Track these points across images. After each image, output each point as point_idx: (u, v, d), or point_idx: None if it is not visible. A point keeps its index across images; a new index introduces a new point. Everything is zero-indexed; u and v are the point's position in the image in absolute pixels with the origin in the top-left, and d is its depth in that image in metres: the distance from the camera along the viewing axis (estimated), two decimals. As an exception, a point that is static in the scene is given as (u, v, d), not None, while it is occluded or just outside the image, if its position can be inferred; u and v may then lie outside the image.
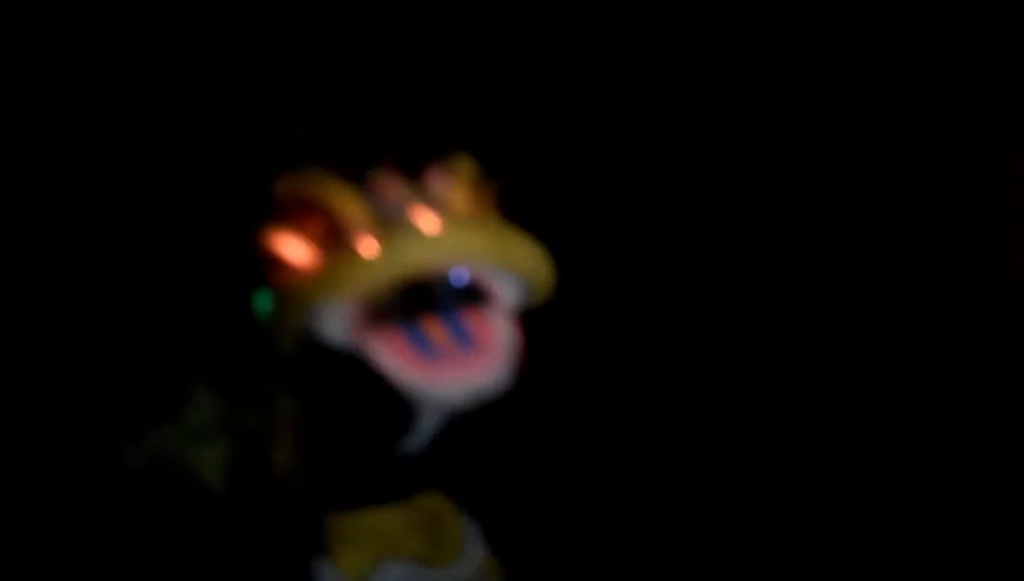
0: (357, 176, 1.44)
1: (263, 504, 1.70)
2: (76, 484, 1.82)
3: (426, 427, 1.49)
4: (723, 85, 2.17)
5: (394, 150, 1.50)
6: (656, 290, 2.12)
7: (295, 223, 1.44)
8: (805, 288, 2.16)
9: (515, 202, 1.52)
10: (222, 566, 1.78)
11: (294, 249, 1.43)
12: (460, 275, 1.43)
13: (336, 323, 1.42)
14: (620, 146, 2.12)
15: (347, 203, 1.41)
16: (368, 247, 1.39)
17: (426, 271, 1.40)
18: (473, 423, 1.52)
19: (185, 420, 1.74)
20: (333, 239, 1.41)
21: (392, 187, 1.42)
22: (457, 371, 1.41)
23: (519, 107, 1.99)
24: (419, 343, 1.41)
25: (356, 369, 1.41)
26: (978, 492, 1.94)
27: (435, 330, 1.42)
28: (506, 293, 1.48)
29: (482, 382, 1.41)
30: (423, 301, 1.42)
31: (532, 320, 1.51)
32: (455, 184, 1.45)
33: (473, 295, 1.45)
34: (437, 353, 1.41)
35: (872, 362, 2.09)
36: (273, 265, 1.44)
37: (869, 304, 2.15)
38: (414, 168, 1.46)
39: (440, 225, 1.41)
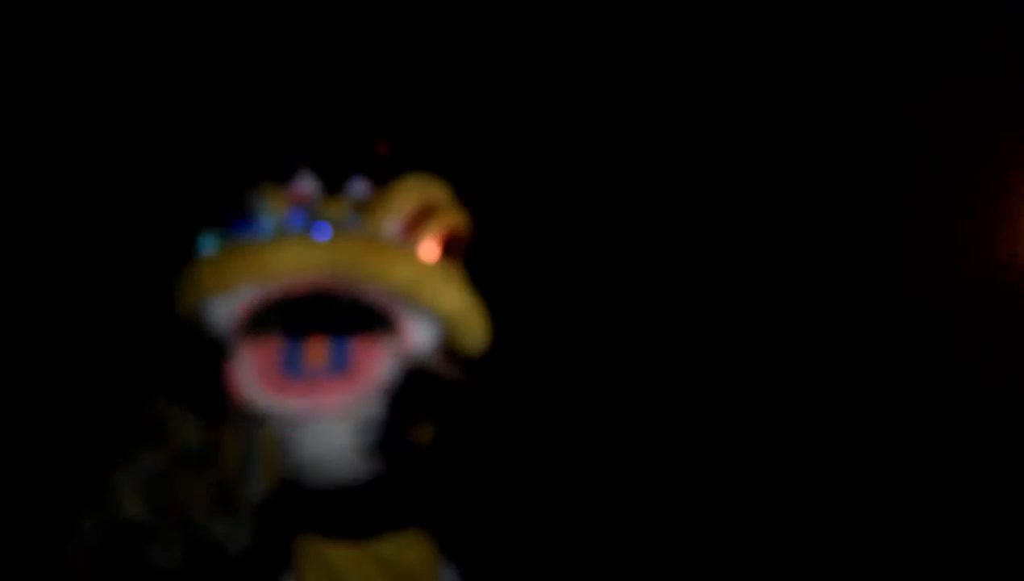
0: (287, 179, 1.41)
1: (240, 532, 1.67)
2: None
3: (298, 447, 1.42)
4: (717, 85, 2.14)
5: (353, 163, 1.46)
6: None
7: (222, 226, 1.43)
8: (798, 284, 2.13)
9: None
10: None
11: (208, 246, 1.41)
12: (363, 297, 1.37)
13: (219, 318, 1.38)
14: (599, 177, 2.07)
15: (261, 200, 1.38)
16: (261, 246, 1.35)
17: (306, 276, 1.34)
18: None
19: (168, 443, 1.73)
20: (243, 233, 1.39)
21: (308, 188, 1.38)
22: (314, 395, 1.35)
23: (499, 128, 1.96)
24: (290, 360, 1.36)
25: (214, 365, 1.37)
26: (978, 492, 1.90)
27: (315, 351, 1.37)
28: (411, 328, 1.40)
29: (337, 410, 1.35)
30: (321, 318, 1.37)
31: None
32: (387, 200, 1.39)
33: (375, 323, 1.38)
34: (304, 374, 1.36)
35: (869, 360, 2.08)
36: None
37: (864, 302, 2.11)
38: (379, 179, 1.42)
39: (338, 237, 1.35)
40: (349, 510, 1.47)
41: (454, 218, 1.44)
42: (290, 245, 1.35)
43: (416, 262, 1.39)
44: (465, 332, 1.43)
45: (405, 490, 1.50)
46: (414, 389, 1.41)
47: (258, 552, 1.63)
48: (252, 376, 1.36)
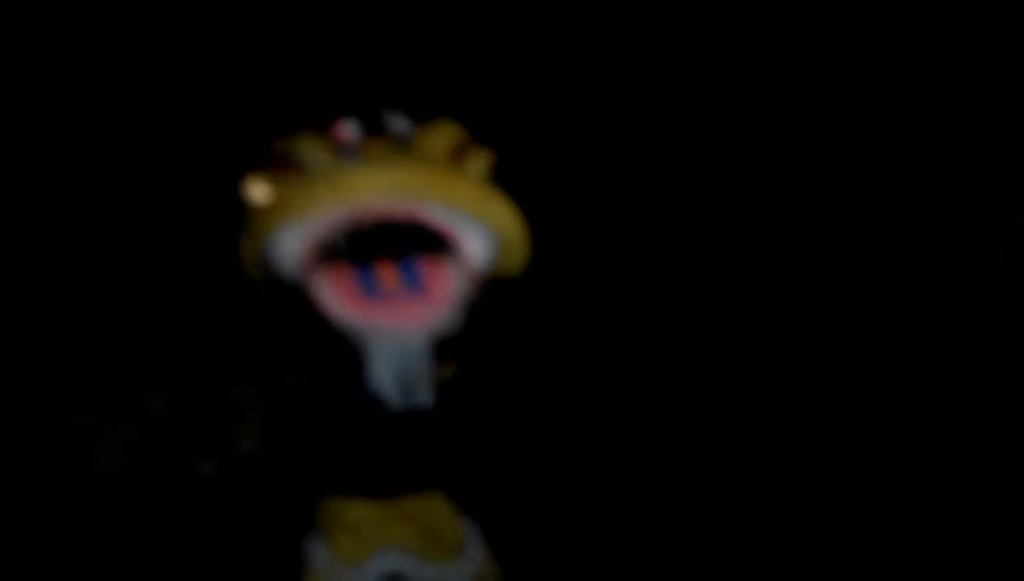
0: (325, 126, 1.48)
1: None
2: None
3: (380, 367, 1.46)
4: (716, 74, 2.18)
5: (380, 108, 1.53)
6: (643, 274, 2.10)
7: (269, 174, 1.48)
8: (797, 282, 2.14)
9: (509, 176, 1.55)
10: (216, 546, 1.81)
11: (259, 190, 1.47)
12: (425, 220, 1.44)
13: (288, 253, 1.43)
14: (615, 130, 2.14)
15: (306, 143, 1.45)
16: (318, 179, 1.42)
17: (369, 203, 1.41)
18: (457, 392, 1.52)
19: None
20: (293, 176, 1.45)
21: (350, 130, 1.45)
22: (397, 313, 1.41)
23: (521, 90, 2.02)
24: (366, 283, 1.42)
25: (299, 301, 1.42)
26: (978, 492, 1.90)
27: (387, 273, 1.42)
28: (473, 246, 1.47)
29: (422, 326, 1.42)
30: (382, 245, 1.43)
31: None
32: (428, 135, 1.47)
33: (436, 244, 1.45)
34: (382, 294, 1.41)
35: (871, 359, 2.07)
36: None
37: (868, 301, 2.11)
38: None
39: (394, 163, 1.43)
40: (418, 435, 1.52)
41: (486, 151, 1.53)
42: (354, 173, 1.41)
43: (475, 182, 1.47)
44: (513, 250, 1.51)
45: (451, 424, 1.56)
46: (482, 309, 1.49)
47: (285, 513, 1.64)
48: (336, 300, 1.41)
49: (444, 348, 1.48)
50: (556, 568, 1.83)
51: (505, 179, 1.55)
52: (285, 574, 1.62)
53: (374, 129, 1.48)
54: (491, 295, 1.52)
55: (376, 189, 1.41)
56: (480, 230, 1.47)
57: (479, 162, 1.49)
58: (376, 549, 1.59)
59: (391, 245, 1.43)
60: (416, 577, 1.63)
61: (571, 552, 1.88)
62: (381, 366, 1.44)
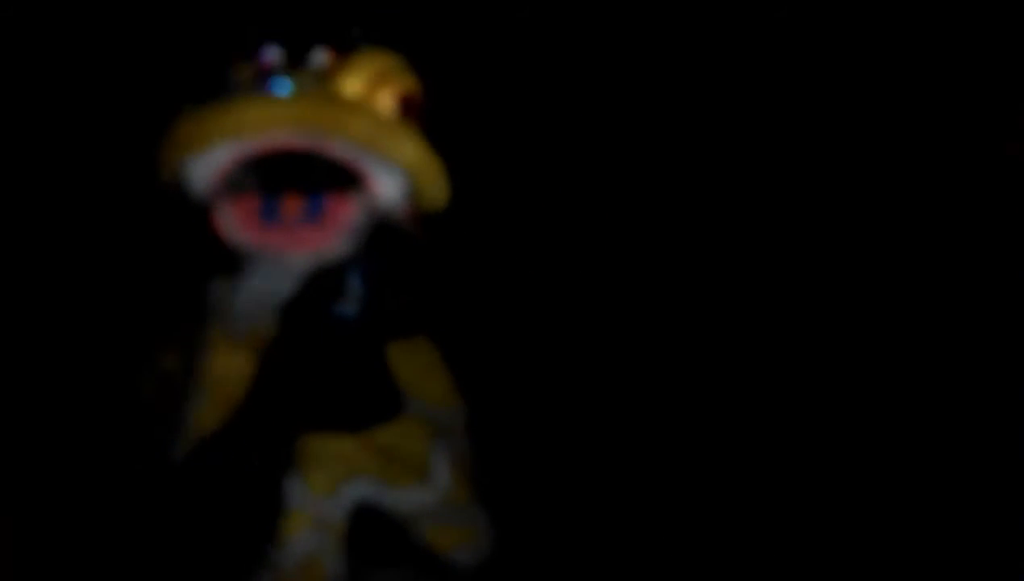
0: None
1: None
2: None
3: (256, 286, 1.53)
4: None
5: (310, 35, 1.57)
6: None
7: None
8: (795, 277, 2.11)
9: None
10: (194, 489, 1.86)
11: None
12: (330, 154, 1.49)
13: (198, 178, 1.50)
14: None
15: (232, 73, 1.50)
16: (226, 105, 1.47)
17: (271, 136, 1.47)
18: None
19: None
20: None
21: (272, 56, 1.50)
22: (287, 239, 1.48)
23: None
24: (268, 212, 1.48)
25: (200, 222, 1.50)
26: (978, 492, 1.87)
27: (291, 205, 1.49)
28: (381, 183, 1.52)
29: (308, 251, 1.49)
30: (295, 178, 1.49)
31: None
32: (347, 67, 1.51)
33: (348, 179, 1.50)
34: (281, 222, 1.48)
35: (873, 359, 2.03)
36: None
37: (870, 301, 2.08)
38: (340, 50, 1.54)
39: (300, 96, 1.47)
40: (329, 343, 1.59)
41: (411, 83, 1.56)
42: (256, 102, 1.47)
43: (374, 116, 1.51)
44: (426, 186, 1.55)
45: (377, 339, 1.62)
46: (383, 239, 1.54)
47: (263, 453, 1.69)
48: (234, 224, 1.48)
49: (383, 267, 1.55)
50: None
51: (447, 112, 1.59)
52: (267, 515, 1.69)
53: (301, 54, 1.53)
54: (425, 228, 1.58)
55: (278, 119, 1.47)
56: (386, 167, 1.51)
57: (391, 96, 1.53)
58: (345, 479, 1.67)
59: (303, 176, 1.49)
60: (386, 503, 1.70)
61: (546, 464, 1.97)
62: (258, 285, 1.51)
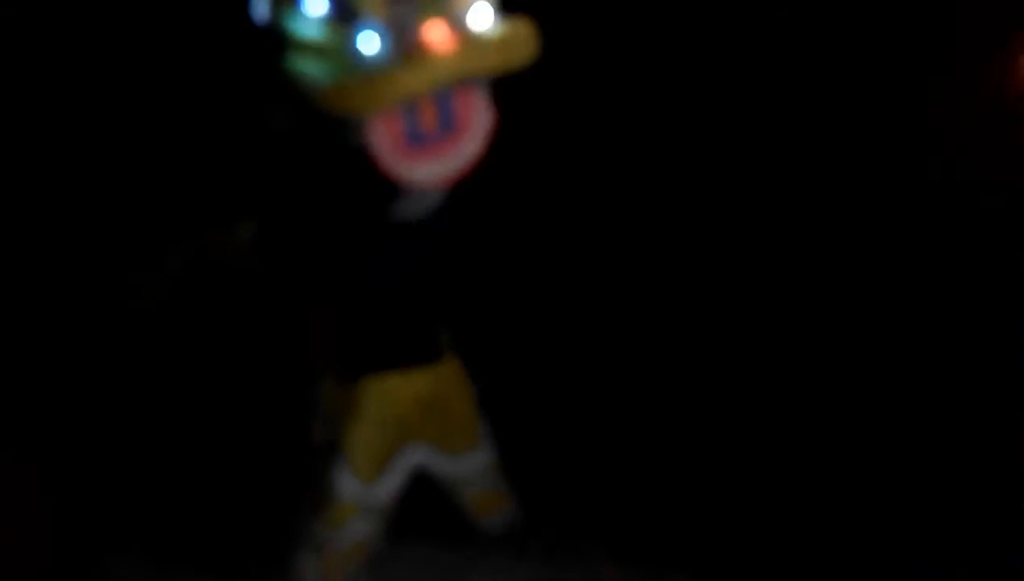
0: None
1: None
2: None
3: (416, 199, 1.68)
4: None
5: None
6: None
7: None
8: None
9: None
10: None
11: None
12: None
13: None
14: None
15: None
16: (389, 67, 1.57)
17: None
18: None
19: None
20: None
21: None
22: (433, 157, 1.62)
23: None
24: (411, 131, 1.62)
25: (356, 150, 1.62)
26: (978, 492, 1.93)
27: (427, 115, 1.62)
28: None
29: (452, 166, 1.63)
30: None
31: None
32: None
33: None
34: (424, 140, 1.62)
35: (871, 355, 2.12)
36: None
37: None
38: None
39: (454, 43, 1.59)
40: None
41: None
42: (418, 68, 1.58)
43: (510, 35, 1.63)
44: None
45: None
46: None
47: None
48: (389, 152, 1.61)
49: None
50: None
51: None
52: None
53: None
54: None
55: (442, 75, 1.60)
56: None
57: None
58: (400, 448, 1.82)
59: None
60: (438, 469, 1.88)
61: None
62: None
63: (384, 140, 1.60)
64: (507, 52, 1.62)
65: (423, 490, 1.88)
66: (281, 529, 1.85)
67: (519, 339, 2.17)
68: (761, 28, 2.29)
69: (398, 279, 1.76)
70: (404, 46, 1.58)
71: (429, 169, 1.63)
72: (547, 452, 2.03)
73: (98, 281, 2.12)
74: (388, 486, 1.83)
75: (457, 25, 1.60)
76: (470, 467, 1.89)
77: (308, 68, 1.61)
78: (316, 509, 1.82)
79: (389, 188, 1.64)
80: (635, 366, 2.16)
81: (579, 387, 2.13)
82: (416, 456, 1.85)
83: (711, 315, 2.21)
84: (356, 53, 1.56)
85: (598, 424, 2.08)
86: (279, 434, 1.93)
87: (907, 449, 1.99)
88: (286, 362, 1.92)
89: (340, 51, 1.57)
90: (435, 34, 1.58)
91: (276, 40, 1.64)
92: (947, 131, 2.20)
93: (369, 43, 1.56)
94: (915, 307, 2.17)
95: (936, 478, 1.94)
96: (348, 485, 1.80)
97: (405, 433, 1.83)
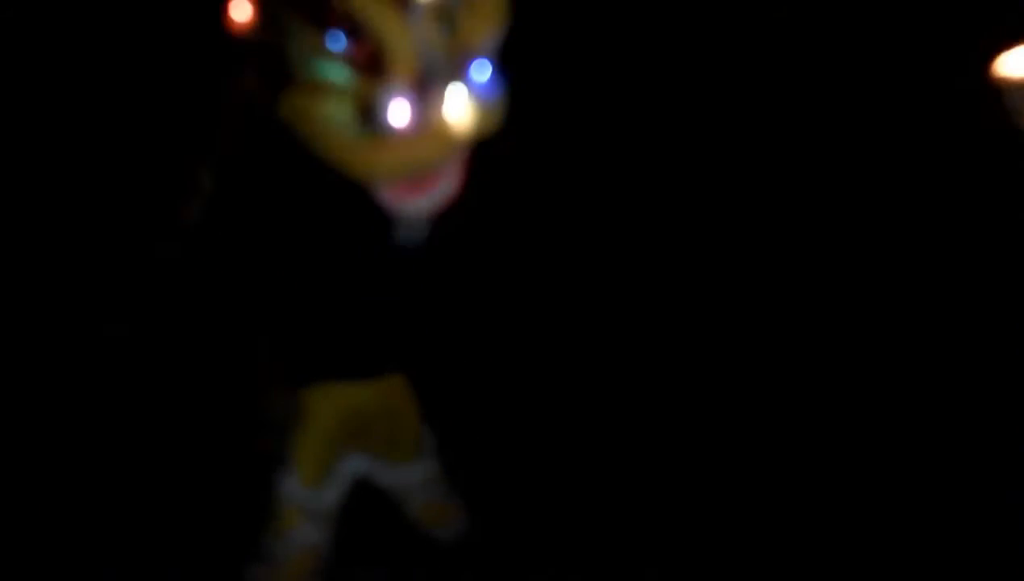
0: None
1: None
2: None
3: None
4: None
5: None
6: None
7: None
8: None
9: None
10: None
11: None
12: None
13: None
14: None
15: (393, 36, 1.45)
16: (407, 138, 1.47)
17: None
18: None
19: None
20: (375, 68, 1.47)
21: (431, 28, 1.45)
22: (426, 191, 1.53)
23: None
24: None
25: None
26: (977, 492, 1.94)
27: None
28: None
29: (441, 196, 1.54)
30: None
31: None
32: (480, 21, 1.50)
33: None
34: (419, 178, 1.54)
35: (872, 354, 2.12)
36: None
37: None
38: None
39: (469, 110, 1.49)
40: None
41: None
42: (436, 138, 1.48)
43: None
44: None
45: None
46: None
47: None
48: (390, 196, 1.52)
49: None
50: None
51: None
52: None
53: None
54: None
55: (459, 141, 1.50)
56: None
57: None
58: (342, 456, 1.81)
59: None
60: (381, 479, 1.88)
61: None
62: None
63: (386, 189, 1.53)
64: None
65: (374, 505, 1.89)
66: (231, 542, 1.85)
67: (478, 350, 2.15)
68: (761, 28, 2.27)
69: (369, 297, 1.71)
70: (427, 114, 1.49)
71: (422, 202, 1.55)
72: (502, 462, 2.03)
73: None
74: (332, 492, 1.83)
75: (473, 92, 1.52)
76: (413, 478, 1.91)
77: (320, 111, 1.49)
78: (263, 519, 1.82)
79: (383, 217, 1.56)
80: (595, 374, 2.14)
81: (535, 398, 2.11)
82: (359, 465, 1.86)
83: (682, 320, 2.20)
84: (384, 122, 1.46)
85: (555, 434, 2.07)
86: (226, 445, 1.94)
87: (890, 450, 2.00)
88: (234, 372, 1.90)
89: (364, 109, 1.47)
90: (457, 105, 1.49)
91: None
92: (947, 131, 2.20)
93: (399, 114, 1.45)
94: (915, 307, 2.15)
95: (936, 478, 1.94)
96: (293, 490, 1.80)
97: (349, 442, 1.83)
